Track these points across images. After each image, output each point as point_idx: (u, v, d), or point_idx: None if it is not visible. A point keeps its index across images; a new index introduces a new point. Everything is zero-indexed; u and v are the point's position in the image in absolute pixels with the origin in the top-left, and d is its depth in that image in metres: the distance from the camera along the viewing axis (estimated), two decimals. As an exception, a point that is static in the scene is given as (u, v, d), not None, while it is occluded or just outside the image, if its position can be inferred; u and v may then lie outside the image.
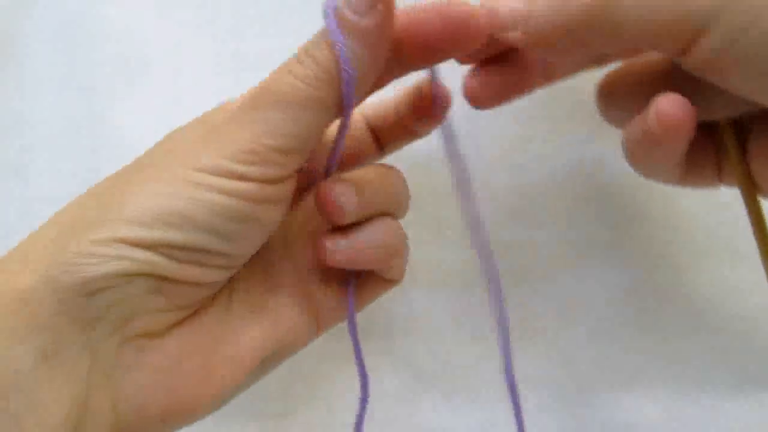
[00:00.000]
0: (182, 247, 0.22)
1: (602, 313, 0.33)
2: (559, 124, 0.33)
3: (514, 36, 0.24)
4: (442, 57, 0.24)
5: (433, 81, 0.26)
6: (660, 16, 0.21)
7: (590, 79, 0.33)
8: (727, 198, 0.32)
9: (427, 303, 0.34)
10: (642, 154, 0.24)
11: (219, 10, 0.35)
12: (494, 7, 0.24)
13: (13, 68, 0.36)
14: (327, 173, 0.26)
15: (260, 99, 0.23)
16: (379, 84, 0.26)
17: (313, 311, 0.27)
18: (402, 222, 0.31)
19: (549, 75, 0.29)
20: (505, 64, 0.27)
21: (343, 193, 0.25)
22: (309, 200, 0.28)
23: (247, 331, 0.26)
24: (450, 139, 0.26)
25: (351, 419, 0.34)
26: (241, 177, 0.22)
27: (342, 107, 0.23)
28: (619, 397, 0.33)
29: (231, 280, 0.26)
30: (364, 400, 0.27)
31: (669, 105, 0.22)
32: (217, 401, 0.25)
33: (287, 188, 0.24)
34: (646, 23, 0.21)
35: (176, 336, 0.24)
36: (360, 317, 0.33)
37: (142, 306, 0.23)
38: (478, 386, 0.34)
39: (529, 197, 0.34)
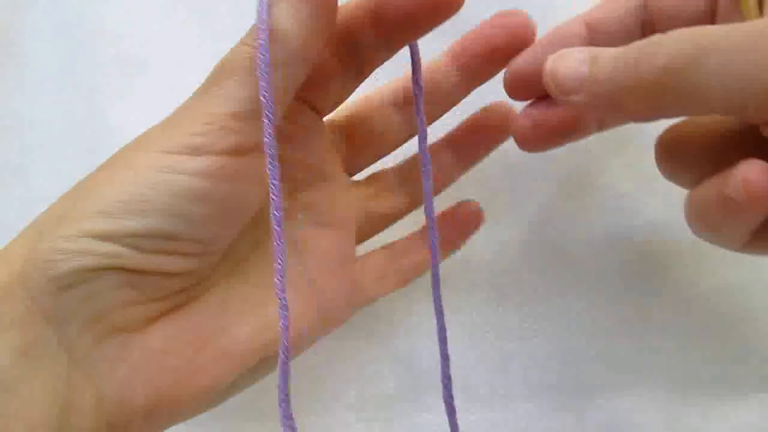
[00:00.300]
0: (147, 235, 0.22)
1: (602, 313, 0.33)
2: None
3: (576, 100, 0.23)
4: (421, 28, 0.24)
5: (414, 58, 0.25)
6: (750, 84, 0.19)
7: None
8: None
9: (427, 303, 0.34)
10: (715, 220, 0.22)
11: (219, 10, 0.35)
12: (554, 69, 0.23)
13: (13, 68, 0.36)
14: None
15: (216, 73, 0.23)
16: (369, 67, 0.26)
17: (320, 310, 0.27)
18: (402, 223, 0.31)
19: (603, 124, 0.28)
20: (560, 106, 0.26)
21: None
22: (316, 194, 0.27)
23: (243, 328, 0.25)
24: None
25: (351, 419, 0.34)
26: (200, 150, 0.22)
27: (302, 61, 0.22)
28: (619, 397, 0.33)
29: (229, 275, 0.26)
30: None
31: (756, 173, 0.20)
32: (205, 398, 0.25)
33: (256, 164, 0.23)
34: (733, 91, 0.19)
35: (160, 330, 0.24)
36: (360, 317, 0.33)
37: (114, 300, 0.22)
38: (478, 386, 0.34)
39: (528, 197, 0.34)
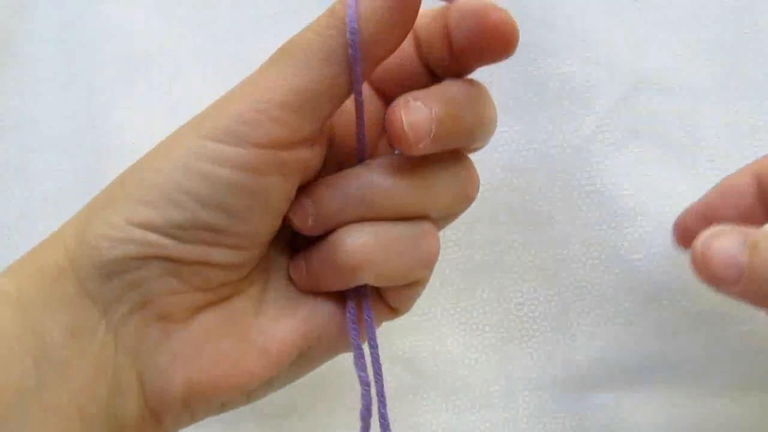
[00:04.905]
0: (187, 227, 0.22)
1: (602, 312, 0.33)
2: (560, 124, 0.33)
3: (733, 291, 0.21)
4: (479, 60, 0.23)
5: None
6: None
7: (590, 78, 0.33)
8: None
9: (428, 303, 0.34)
10: None
11: (219, 10, 0.35)
12: (707, 254, 0.21)
13: (13, 68, 0.36)
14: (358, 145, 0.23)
15: (276, 54, 0.22)
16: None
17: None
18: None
19: None
20: None
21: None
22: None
23: (282, 324, 0.25)
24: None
25: (351, 419, 0.34)
26: (243, 140, 0.21)
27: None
28: (619, 397, 0.33)
29: (268, 271, 0.25)
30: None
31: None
32: (242, 394, 0.24)
33: (301, 157, 0.22)
34: None
35: (202, 321, 0.24)
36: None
37: (158, 288, 0.22)
38: (478, 386, 0.34)
39: (527, 196, 0.34)
